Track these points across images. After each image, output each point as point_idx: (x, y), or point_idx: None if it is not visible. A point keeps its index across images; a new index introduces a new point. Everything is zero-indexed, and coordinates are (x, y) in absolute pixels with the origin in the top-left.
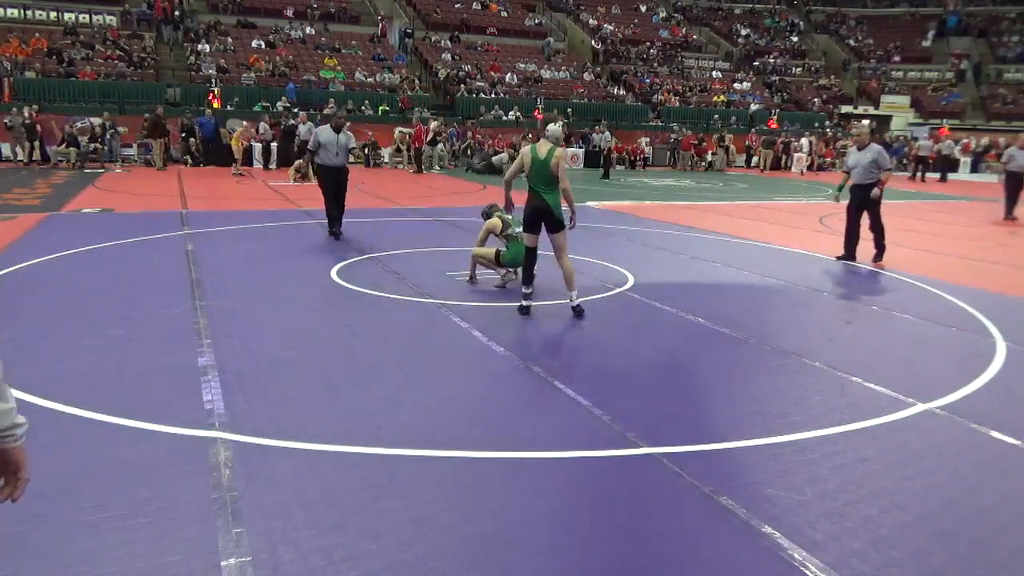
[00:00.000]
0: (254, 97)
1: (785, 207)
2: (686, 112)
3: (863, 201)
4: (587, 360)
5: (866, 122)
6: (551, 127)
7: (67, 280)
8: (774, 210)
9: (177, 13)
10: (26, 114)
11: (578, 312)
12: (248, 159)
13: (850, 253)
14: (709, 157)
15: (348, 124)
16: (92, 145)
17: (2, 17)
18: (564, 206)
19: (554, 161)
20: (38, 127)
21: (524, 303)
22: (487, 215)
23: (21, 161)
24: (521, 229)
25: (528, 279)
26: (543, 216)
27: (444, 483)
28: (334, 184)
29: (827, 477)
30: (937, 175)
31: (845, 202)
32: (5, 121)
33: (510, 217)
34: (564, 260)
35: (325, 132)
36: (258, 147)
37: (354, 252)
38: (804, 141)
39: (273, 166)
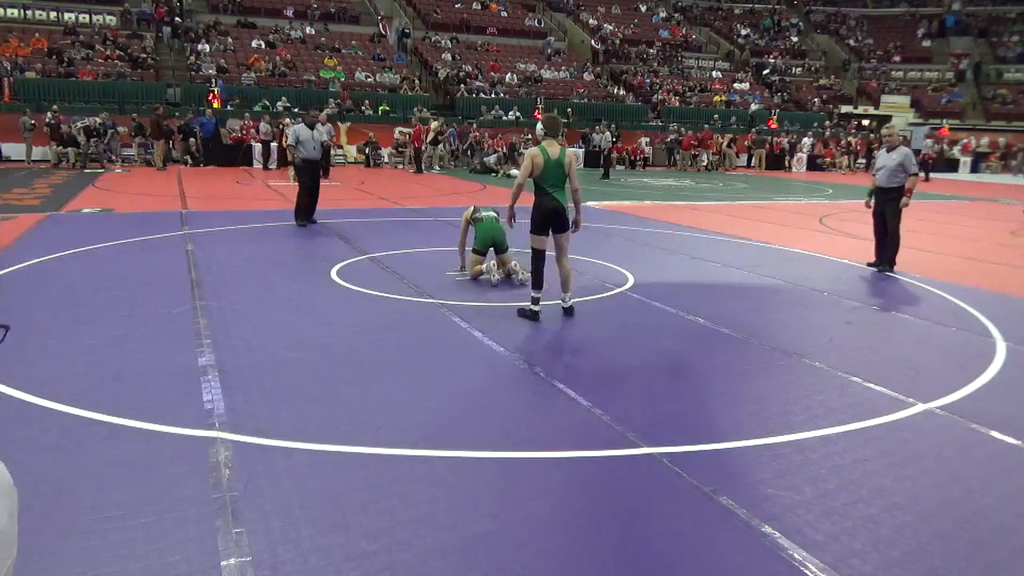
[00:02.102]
0: (254, 97)
1: (785, 207)
2: (686, 112)
3: (886, 204)
4: (587, 360)
5: (896, 122)
6: (538, 126)
7: (67, 280)
8: (774, 210)
9: (178, 19)
10: (49, 116)
11: (569, 312)
12: (248, 159)
13: (881, 259)
14: (707, 158)
15: (349, 125)
16: (94, 140)
17: (2, 17)
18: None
19: (567, 161)
20: (61, 127)
21: (535, 308)
22: (545, 128)
23: (41, 161)
24: (484, 212)
25: (539, 283)
26: (556, 217)
27: (444, 483)
28: (312, 177)
29: (827, 477)
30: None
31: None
32: (30, 122)
33: (553, 156)
34: (565, 262)
35: (303, 130)
36: (258, 147)
37: (354, 252)
38: (806, 140)
39: (273, 166)
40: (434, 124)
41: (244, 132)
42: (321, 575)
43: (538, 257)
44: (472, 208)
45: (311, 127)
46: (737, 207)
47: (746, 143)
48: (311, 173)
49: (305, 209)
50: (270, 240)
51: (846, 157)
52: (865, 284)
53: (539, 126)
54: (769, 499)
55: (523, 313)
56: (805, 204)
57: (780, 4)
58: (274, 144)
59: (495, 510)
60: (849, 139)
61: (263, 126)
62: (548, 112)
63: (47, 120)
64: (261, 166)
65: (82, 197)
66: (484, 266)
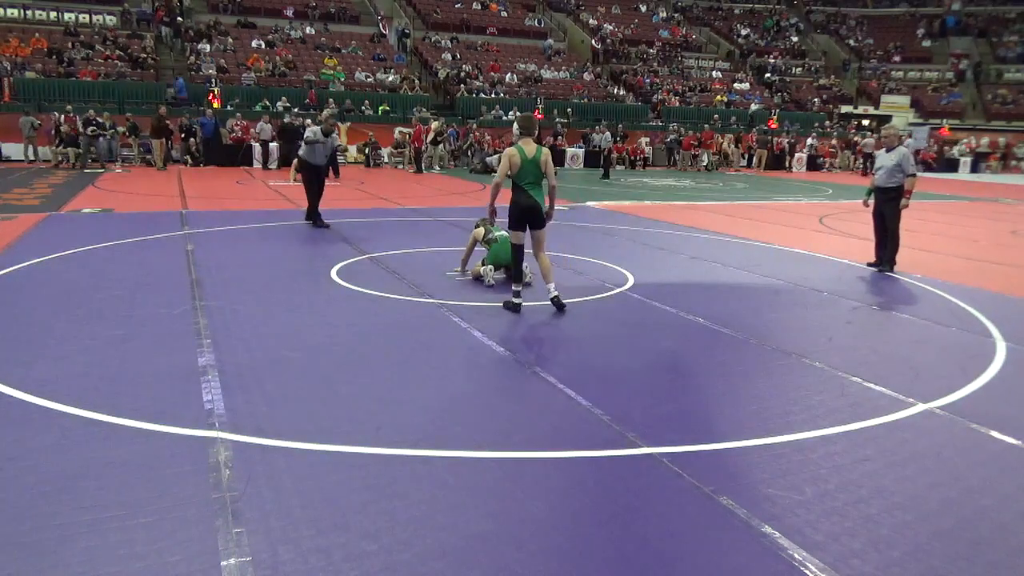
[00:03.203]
0: (254, 97)
1: (785, 207)
2: (686, 112)
3: (884, 204)
4: (587, 360)
5: (896, 122)
6: (514, 126)
7: (67, 280)
8: (774, 210)
9: (180, 19)
10: (61, 118)
11: (558, 304)
12: (248, 159)
13: (881, 259)
14: (707, 158)
15: (349, 125)
16: (92, 130)
17: (2, 17)
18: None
19: (543, 158)
20: (62, 127)
21: (516, 300)
22: (478, 224)
23: (41, 161)
24: (498, 232)
25: (519, 277)
26: (533, 215)
27: (444, 483)
28: (320, 181)
29: (827, 477)
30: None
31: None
32: (36, 122)
33: (530, 154)
34: (544, 255)
35: (318, 134)
36: (258, 147)
37: (354, 252)
38: (810, 141)
39: (273, 166)
40: (434, 124)
41: (243, 132)
42: (321, 575)
43: (517, 251)
44: (483, 230)
45: (327, 134)
46: (737, 207)
47: (747, 143)
48: (319, 178)
49: (314, 211)
50: (270, 240)
51: (852, 158)
52: (865, 284)
53: (515, 126)
54: (769, 499)
55: (507, 306)
56: (805, 204)
57: (780, 4)
58: (274, 144)
59: (495, 510)
60: (856, 139)
61: (260, 126)
62: (548, 112)
63: (59, 122)
64: (261, 166)
65: (82, 197)
66: (483, 268)
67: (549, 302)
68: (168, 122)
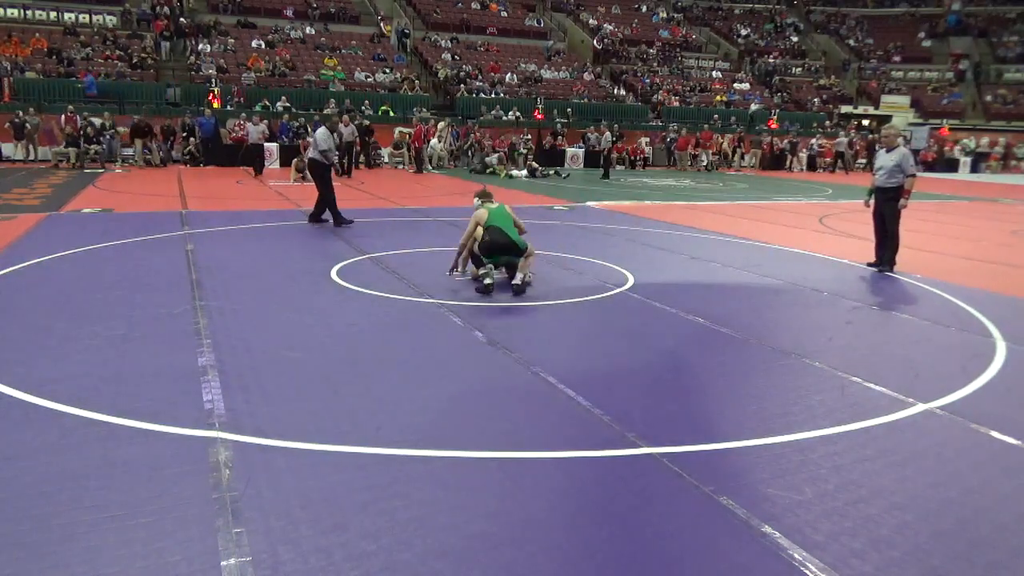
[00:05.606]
0: (254, 97)
1: (785, 207)
2: (686, 112)
3: (884, 204)
4: (587, 360)
5: (896, 122)
6: (475, 200)
7: (67, 280)
8: (774, 210)
9: (183, 19)
10: (63, 120)
11: (517, 290)
12: (248, 159)
13: (881, 259)
14: (707, 158)
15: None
16: (92, 147)
17: (2, 17)
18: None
19: (508, 209)
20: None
21: (487, 281)
22: (480, 197)
23: (41, 161)
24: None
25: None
26: (507, 250)
27: (444, 483)
28: (331, 178)
29: (827, 477)
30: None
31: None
32: (24, 125)
33: (494, 206)
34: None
35: (329, 136)
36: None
37: (354, 252)
38: (813, 142)
39: (275, 164)
40: (437, 123)
41: (242, 132)
42: (321, 575)
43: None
44: (485, 212)
45: (333, 130)
46: (737, 207)
47: (740, 146)
48: (330, 175)
49: (318, 210)
50: (270, 240)
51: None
52: (865, 284)
53: (475, 200)
54: (769, 499)
55: (479, 289)
56: (805, 204)
57: (780, 4)
58: (274, 145)
59: (495, 510)
60: (812, 141)
61: (251, 127)
62: (548, 112)
63: (62, 123)
64: (254, 171)
65: (82, 197)
66: (483, 270)
67: (539, 303)
68: (149, 123)
